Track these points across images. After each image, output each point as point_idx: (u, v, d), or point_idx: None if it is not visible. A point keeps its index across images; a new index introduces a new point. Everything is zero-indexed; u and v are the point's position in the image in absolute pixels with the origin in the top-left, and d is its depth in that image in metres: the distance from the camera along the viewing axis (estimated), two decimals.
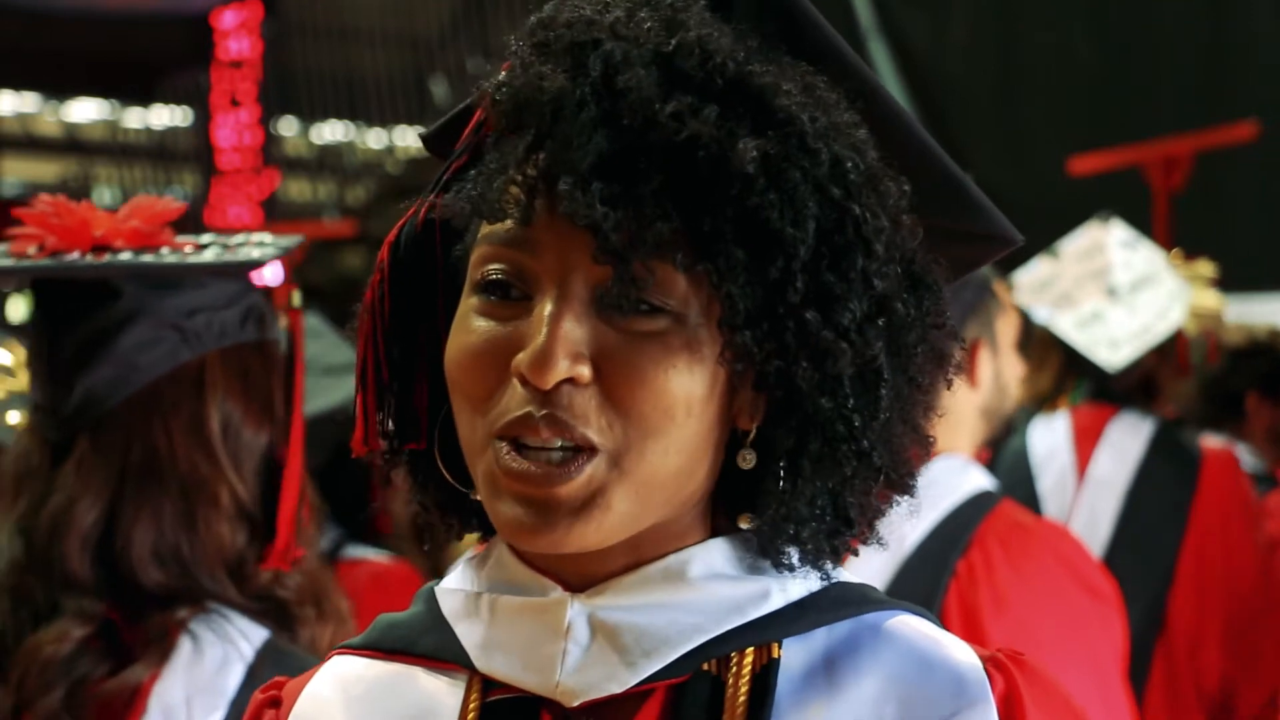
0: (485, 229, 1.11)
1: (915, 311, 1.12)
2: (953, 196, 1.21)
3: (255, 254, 1.90)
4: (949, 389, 1.19)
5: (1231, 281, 7.20)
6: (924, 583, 2.45)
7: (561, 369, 1.05)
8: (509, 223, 1.08)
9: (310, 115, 25.90)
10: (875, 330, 1.09)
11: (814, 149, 1.07)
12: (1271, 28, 8.40)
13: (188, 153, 26.24)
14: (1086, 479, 3.92)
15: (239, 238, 1.95)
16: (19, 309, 23.00)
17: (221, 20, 24.02)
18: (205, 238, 1.96)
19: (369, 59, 24.54)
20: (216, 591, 1.88)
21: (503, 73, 1.11)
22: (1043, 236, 4.08)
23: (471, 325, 1.10)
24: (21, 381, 2.95)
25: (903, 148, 1.16)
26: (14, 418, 2.86)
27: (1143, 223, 7.30)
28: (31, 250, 1.90)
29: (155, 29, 24.29)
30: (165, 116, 27.17)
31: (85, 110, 27.56)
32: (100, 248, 1.89)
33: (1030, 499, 3.88)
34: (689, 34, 1.08)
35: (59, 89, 26.63)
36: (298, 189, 25.96)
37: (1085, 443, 3.96)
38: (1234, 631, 3.72)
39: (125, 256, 1.89)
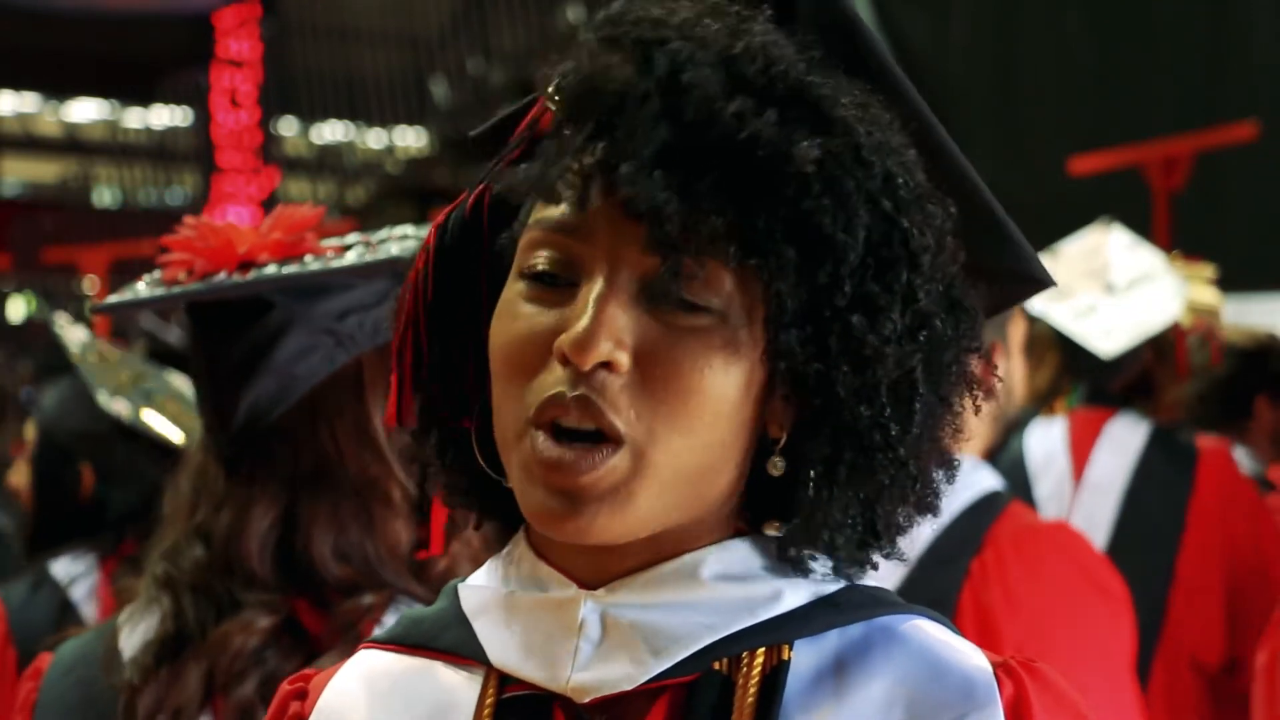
0: (536, 215, 1.13)
1: (953, 332, 1.14)
2: (993, 234, 1.23)
3: (395, 249, 1.91)
4: (976, 414, 1.19)
5: (1230, 282, 7.21)
6: (938, 583, 2.46)
7: (603, 350, 1.06)
8: (562, 208, 1.10)
9: (310, 115, 25.91)
10: (915, 344, 1.11)
11: (868, 161, 1.09)
12: (1271, 28, 8.41)
13: (188, 152, 26.25)
14: (1083, 483, 3.92)
15: (381, 234, 1.97)
16: (18, 309, 22.99)
17: (221, 20, 24.04)
18: (350, 238, 1.98)
19: (369, 59, 24.55)
20: (400, 585, 1.90)
21: (567, 63, 1.13)
22: (1043, 236, 4.08)
23: (517, 310, 1.11)
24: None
25: (949, 180, 1.17)
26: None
27: (1142, 222, 7.31)
28: (182, 276, 1.92)
29: (155, 29, 24.31)
30: (165, 116, 27.18)
31: (85, 110, 27.57)
32: (246, 264, 1.92)
33: (1028, 505, 3.87)
34: (754, 39, 1.10)
35: (59, 89, 26.65)
36: (297, 189, 25.97)
37: (1082, 447, 3.96)
38: (1240, 620, 3.72)
39: (271, 270, 1.91)
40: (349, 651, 1.83)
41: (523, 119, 1.18)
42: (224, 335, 1.92)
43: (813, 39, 1.14)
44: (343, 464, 1.90)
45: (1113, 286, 3.92)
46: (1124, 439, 3.92)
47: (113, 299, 1.99)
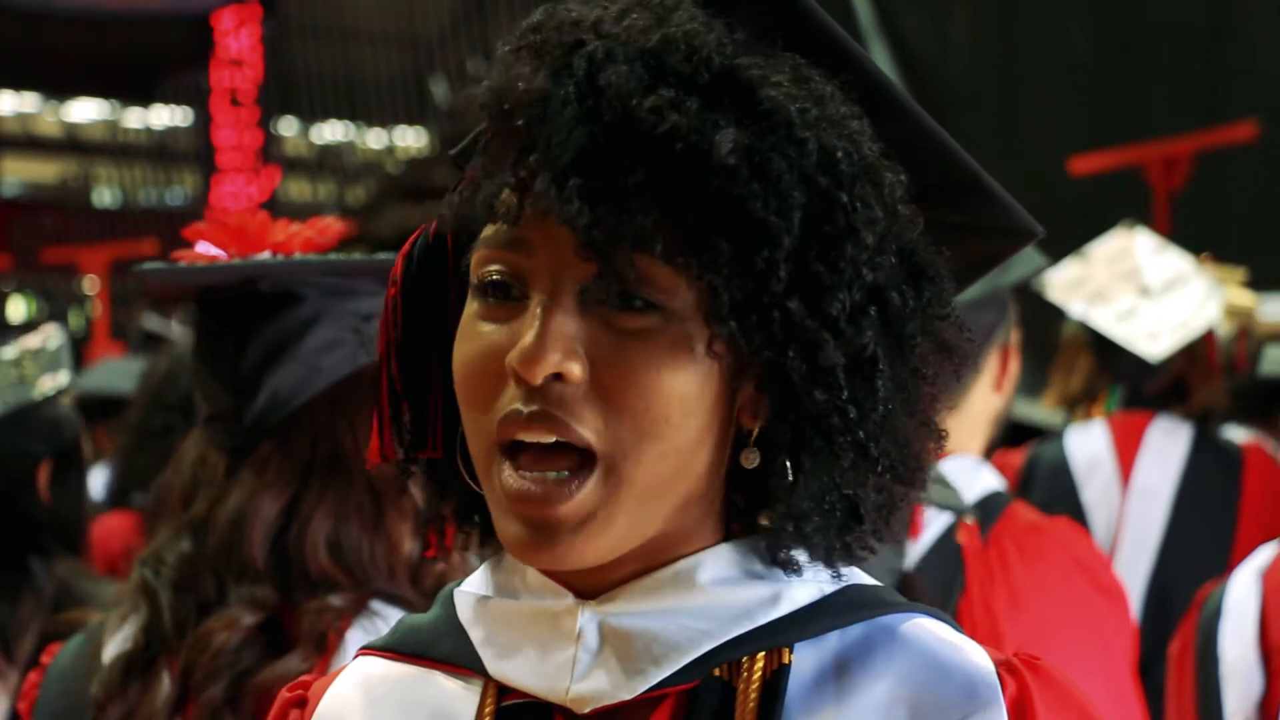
0: (484, 233, 1.11)
1: (915, 302, 1.11)
2: (968, 189, 1.20)
3: None
4: (959, 380, 1.17)
5: None
6: (940, 582, 2.46)
7: (551, 362, 1.05)
8: (503, 225, 1.08)
9: (310, 115, 25.92)
10: (868, 320, 1.08)
11: (801, 139, 1.07)
12: (1271, 29, 8.40)
13: (187, 152, 26.24)
14: (1131, 487, 3.90)
15: None
16: (19, 310, 22.96)
17: (221, 20, 24.03)
18: (380, 257, 2.00)
19: (369, 59, 24.55)
20: (389, 590, 1.90)
21: (491, 77, 1.12)
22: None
23: (473, 331, 1.10)
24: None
25: (912, 141, 1.15)
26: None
27: (1143, 223, 7.30)
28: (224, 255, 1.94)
29: (155, 29, 24.31)
30: (165, 116, 27.17)
31: (85, 110, 27.56)
32: (280, 254, 1.94)
33: (1075, 510, 3.85)
34: (673, 29, 1.08)
35: (59, 89, 26.65)
36: (297, 189, 25.99)
37: (1127, 451, 3.95)
38: None
39: (312, 257, 1.94)
40: (312, 654, 1.84)
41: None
42: (254, 320, 1.93)
43: (750, 17, 1.11)
44: (359, 461, 1.90)
45: (1148, 289, 3.91)
46: (1168, 443, 3.92)
47: (161, 264, 1.99)
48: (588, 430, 1.06)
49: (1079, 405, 4.08)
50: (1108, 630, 2.53)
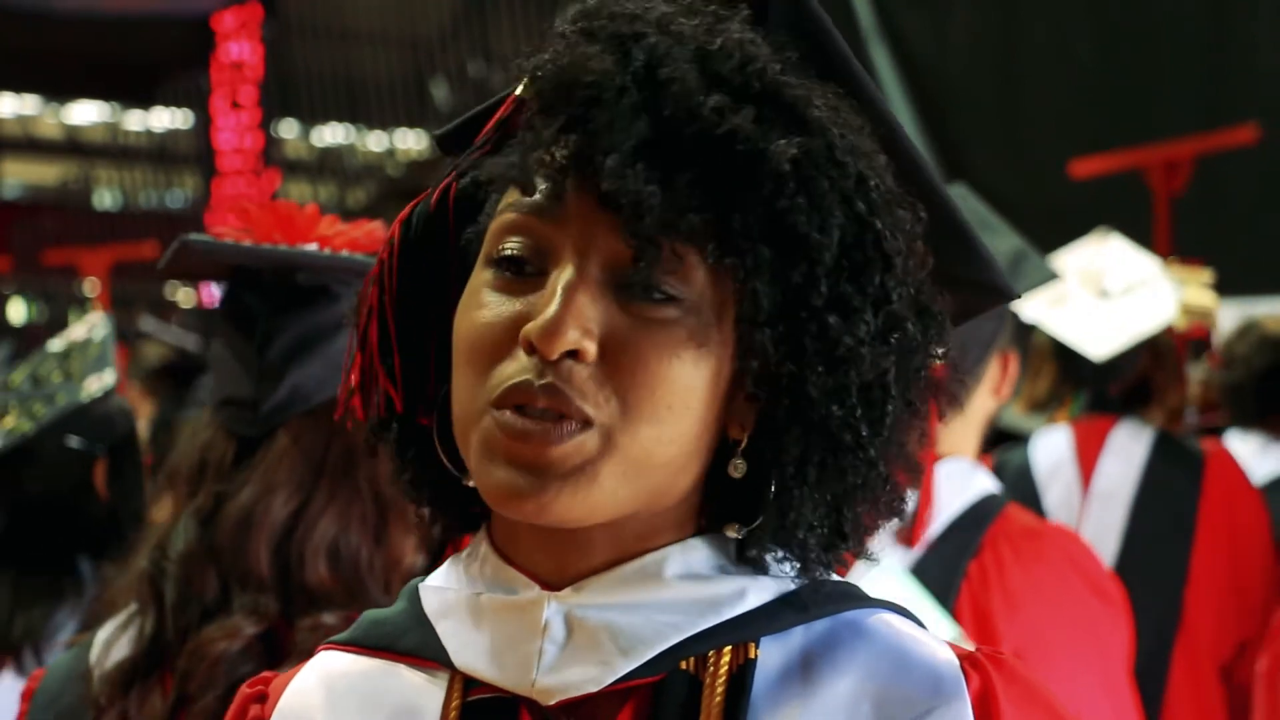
0: (508, 201, 1.12)
1: (921, 338, 1.14)
2: (957, 242, 1.23)
3: None
4: (940, 420, 1.20)
5: (1231, 285, 7.20)
6: (936, 585, 2.46)
7: (570, 338, 1.05)
8: (536, 196, 1.09)
9: (311, 118, 25.92)
10: (887, 346, 1.11)
11: (842, 162, 1.10)
12: (1272, 31, 8.40)
13: (188, 155, 26.26)
14: (1091, 491, 3.93)
15: None
16: (19, 312, 22.98)
17: (222, 22, 24.04)
18: None
19: (369, 61, 24.57)
20: (381, 602, 1.86)
21: (542, 55, 1.12)
22: (1043, 240, 4.08)
23: (483, 298, 1.11)
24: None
25: (913, 187, 1.17)
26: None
27: (1143, 226, 7.31)
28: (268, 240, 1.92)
29: (156, 31, 24.32)
30: (166, 119, 27.19)
31: (86, 112, 27.58)
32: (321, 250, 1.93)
33: (1037, 514, 3.88)
34: (731, 37, 1.11)
35: (60, 91, 26.66)
36: (298, 191, 25.97)
37: (1088, 455, 3.98)
38: (1249, 616, 3.74)
39: (356, 256, 1.92)
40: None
41: (490, 117, 1.18)
42: (287, 310, 1.92)
43: (785, 41, 1.14)
44: (371, 465, 1.88)
45: (1107, 293, 3.94)
46: (1128, 446, 3.94)
47: (207, 236, 1.96)
48: (589, 405, 1.07)
49: (1045, 410, 4.11)
50: (1104, 633, 2.53)
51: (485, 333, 1.10)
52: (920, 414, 1.15)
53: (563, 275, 1.08)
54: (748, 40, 1.11)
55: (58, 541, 2.85)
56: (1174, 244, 6.78)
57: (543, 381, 1.06)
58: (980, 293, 1.28)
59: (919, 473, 1.18)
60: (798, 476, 1.11)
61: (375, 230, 1.98)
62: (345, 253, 1.93)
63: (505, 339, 1.09)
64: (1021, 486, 3.88)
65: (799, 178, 1.07)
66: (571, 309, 1.06)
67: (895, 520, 1.17)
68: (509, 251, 1.10)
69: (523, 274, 1.10)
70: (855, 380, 1.09)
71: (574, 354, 1.06)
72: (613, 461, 1.08)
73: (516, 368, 1.07)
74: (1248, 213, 8.17)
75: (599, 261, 1.08)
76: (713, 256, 1.07)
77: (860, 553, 1.17)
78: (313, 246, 1.93)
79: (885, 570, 2.44)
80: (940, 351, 1.16)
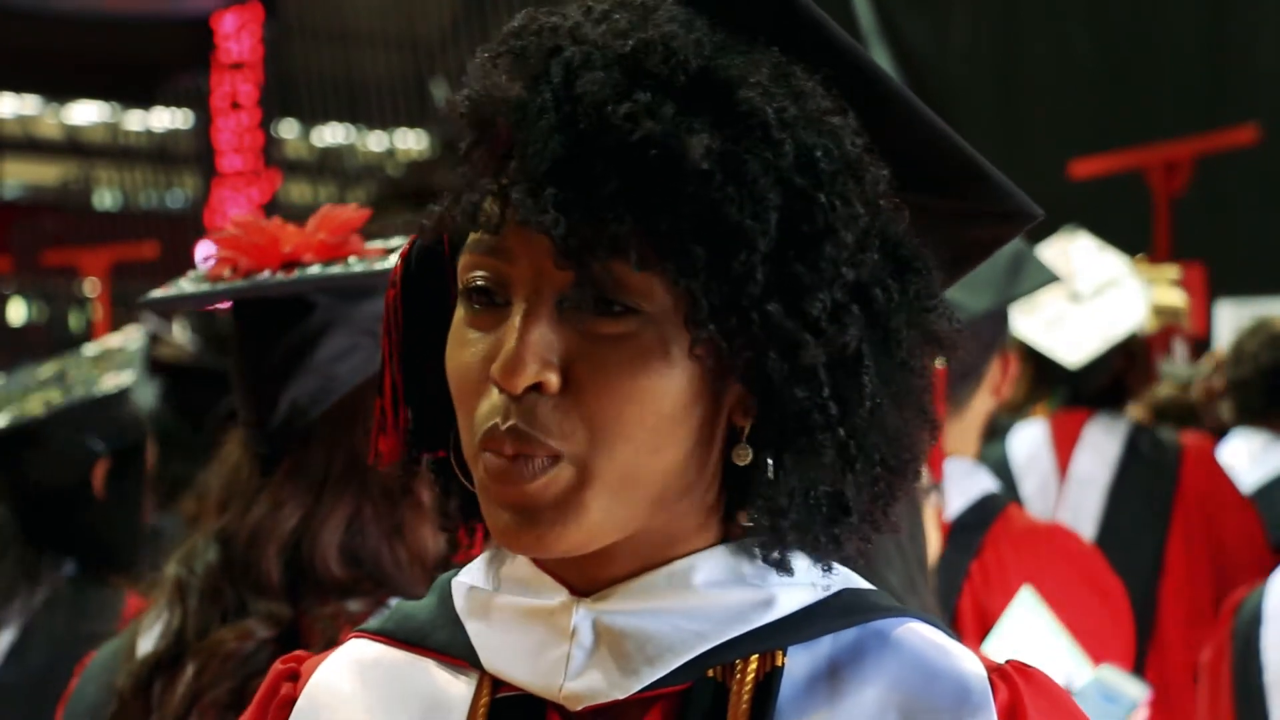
0: (470, 239, 1.11)
1: (901, 296, 1.11)
2: (965, 175, 1.20)
3: None
4: (964, 381, 1.17)
5: (1230, 285, 7.21)
6: (938, 585, 2.47)
7: (530, 373, 1.05)
8: (486, 232, 1.09)
9: (311, 118, 25.93)
10: (851, 317, 1.08)
11: (777, 140, 1.06)
12: (1272, 33, 8.42)
13: (188, 155, 26.26)
14: (1068, 479, 3.98)
15: None
16: (19, 312, 22.97)
17: (222, 23, 24.05)
18: (394, 240, 1.99)
19: (370, 61, 24.57)
20: (409, 592, 1.88)
21: (471, 85, 1.12)
22: (1044, 240, 4.10)
23: (463, 336, 1.11)
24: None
25: (906, 131, 1.15)
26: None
27: (1143, 226, 7.32)
28: (227, 273, 1.94)
29: (156, 31, 24.33)
30: (166, 119, 27.19)
31: (86, 113, 27.60)
32: (290, 264, 1.93)
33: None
34: (649, 33, 1.08)
35: (60, 91, 26.68)
36: (298, 191, 26.00)
37: (1064, 445, 4.02)
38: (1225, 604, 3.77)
39: (315, 270, 1.93)
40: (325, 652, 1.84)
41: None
42: (267, 333, 1.94)
43: (737, 10, 1.11)
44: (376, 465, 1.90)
45: (1079, 295, 3.96)
46: (1105, 438, 3.99)
47: (158, 293, 2.00)
48: (554, 441, 1.06)
49: (1021, 412, 4.14)
50: (1106, 632, 2.54)
51: (465, 373, 1.10)
52: (918, 369, 1.13)
53: (519, 309, 1.07)
54: (671, 31, 1.08)
55: (44, 533, 2.85)
56: (1174, 244, 6.78)
57: (507, 425, 1.06)
58: (1001, 221, 1.23)
59: (936, 426, 1.16)
60: (779, 460, 1.10)
61: (334, 219, 1.95)
62: (317, 268, 1.93)
63: (481, 377, 1.09)
64: (999, 477, 3.91)
65: (724, 168, 1.05)
66: (527, 343, 1.05)
67: (915, 481, 1.15)
68: (475, 283, 1.10)
69: (494, 304, 1.09)
70: (814, 359, 1.07)
71: (538, 386, 1.06)
72: (595, 488, 1.07)
73: (489, 408, 1.08)
74: (1248, 213, 8.18)
75: (551, 289, 1.07)
76: (638, 265, 1.04)
77: (880, 525, 1.15)
78: (266, 273, 1.94)
79: (1023, 604, 2.45)
80: (930, 304, 1.13)
